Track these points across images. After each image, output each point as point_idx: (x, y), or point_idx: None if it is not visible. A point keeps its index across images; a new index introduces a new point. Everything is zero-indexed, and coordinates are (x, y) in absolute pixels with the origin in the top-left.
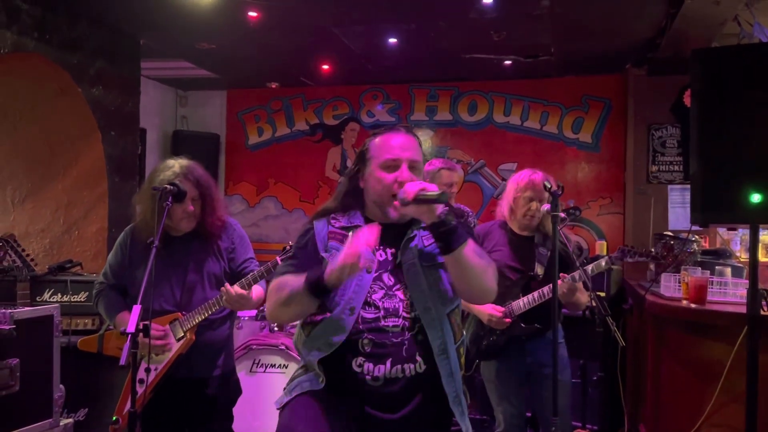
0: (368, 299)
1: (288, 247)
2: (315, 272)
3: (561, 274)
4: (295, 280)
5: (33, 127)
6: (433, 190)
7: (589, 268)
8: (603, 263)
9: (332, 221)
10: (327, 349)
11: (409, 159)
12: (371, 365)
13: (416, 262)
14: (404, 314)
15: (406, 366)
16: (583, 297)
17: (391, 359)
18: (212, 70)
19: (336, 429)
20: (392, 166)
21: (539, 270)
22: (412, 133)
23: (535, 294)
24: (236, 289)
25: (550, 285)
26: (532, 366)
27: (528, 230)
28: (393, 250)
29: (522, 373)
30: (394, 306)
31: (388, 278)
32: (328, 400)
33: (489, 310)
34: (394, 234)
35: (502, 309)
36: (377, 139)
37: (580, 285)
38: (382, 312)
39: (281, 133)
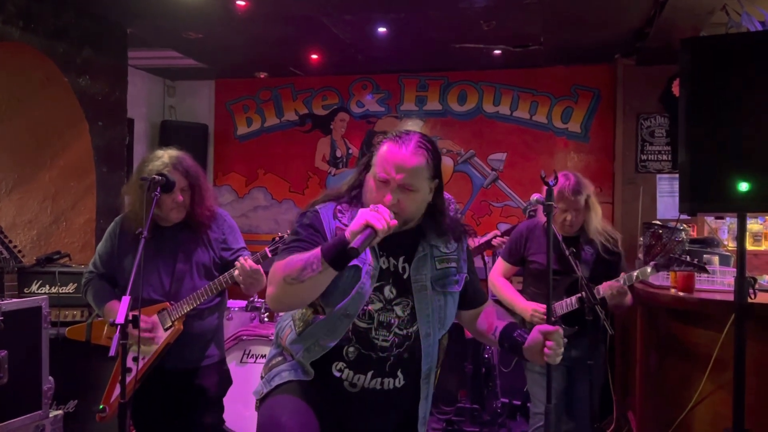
0: (365, 308)
1: (277, 238)
2: (334, 239)
3: (622, 274)
4: (307, 254)
5: (19, 118)
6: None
7: (635, 273)
8: (648, 270)
9: (339, 215)
10: (318, 352)
11: (400, 182)
12: (352, 373)
13: (428, 285)
14: (396, 330)
15: (386, 380)
16: (629, 298)
17: (372, 371)
18: (200, 60)
19: (319, 422)
20: (384, 183)
21: (584, 271)
22: (425, 144)
23: (574, 298)
24: (251, 263)
25: (595, 288)
26: (575, 360)
27: (571, 233)
28: (396, 261)
29: (563, 366)
30: (389, 321)
31: (389, 291)
32: (308, 392)
33: (534, 305)
34: (399, 241)
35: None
36: (385, 146)
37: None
38: (375, 324)
39: (270, 124)
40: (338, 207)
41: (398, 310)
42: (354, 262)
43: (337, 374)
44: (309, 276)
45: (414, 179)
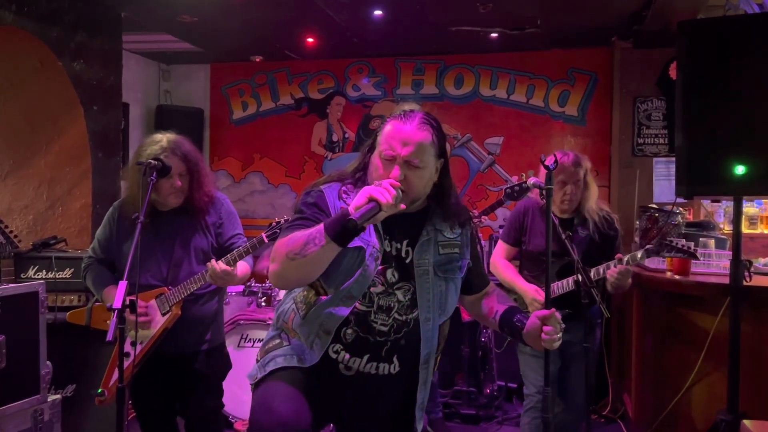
0: (367, 291)
1: (274, 223)
2: (337, 214)
3: (618, 255)
4: (309, 230)
5: (13, 103)
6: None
7: (625, 259)
8: (639, 255)
9: (343, 195)
10: (326, 339)
11: (406, 157)
12: (348, 355)
13: (430, 270)
14: (396, 316)
15: (381, 365)
16: (629, 280)
17: (369, 355)
18: (195, 44)
19: (313, 410)
20: (390, 160)
21: (576, 254)
22: (429, 121)
23: (570, 279)
24: (221, 265)
25: (594, 270)
26: (566, 343)
27: (567, 213)
28: (400, 244)
29: (557, 349)
30: (389, 305)
31: (392, 275)
32: (302, 378)
33: (534, 290)
34: (403, 224)
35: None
36: (389, 125)
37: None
38: (374, 308)
39: (266, 108)
40: (343, 188)
41: (399, 294)
42: (357, 242)
43: (333, 356)
44: (312, 251)
45: (420, 154)
